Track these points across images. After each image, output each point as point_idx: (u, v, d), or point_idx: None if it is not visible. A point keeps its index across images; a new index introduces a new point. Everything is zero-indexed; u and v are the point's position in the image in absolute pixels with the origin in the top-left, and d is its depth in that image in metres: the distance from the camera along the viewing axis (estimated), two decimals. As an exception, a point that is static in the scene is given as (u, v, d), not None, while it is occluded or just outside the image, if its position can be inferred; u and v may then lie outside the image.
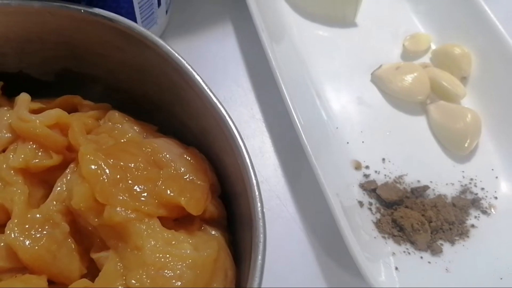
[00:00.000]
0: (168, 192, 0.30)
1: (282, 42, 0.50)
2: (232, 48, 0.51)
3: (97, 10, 0.33)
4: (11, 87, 0.37)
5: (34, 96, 0.36)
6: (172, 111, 0.37)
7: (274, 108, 0.47)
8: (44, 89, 0.40)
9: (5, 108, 0.34)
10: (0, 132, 0.33)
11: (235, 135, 0.29)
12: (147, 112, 0.39)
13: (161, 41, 0.32)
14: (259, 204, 0.27)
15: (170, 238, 0.29)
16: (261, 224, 0.27)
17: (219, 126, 0.31)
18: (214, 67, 0.49)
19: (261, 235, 0.26)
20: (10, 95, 0.37)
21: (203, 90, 0.31)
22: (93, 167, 0.29)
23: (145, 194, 0.30)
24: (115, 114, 0.36)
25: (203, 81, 0.31)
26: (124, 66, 0.37)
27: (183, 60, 0.32)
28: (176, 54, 0.32)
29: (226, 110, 0.30)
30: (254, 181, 0.28)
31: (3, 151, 0.33)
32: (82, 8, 0.33)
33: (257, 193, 0.27)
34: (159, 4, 0.44)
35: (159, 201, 0.30)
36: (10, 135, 0.33)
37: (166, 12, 0.47)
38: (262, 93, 0.49)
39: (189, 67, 0.32)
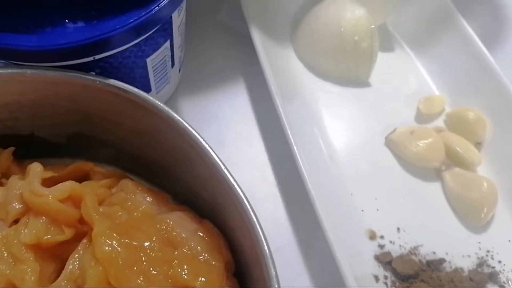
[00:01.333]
0: (183, 275, 0.29)
1: (295, 102, 0.50)
2: (244, 107, 0.50)
3: (111, 81, 0.33)
4: (22, 148, 0.37)
5: (45, 157, 0.36)
6: (186, 181, 0.37)
7: (287, 170, 0.46)
8: (56, 149, 0.39)
9: (17, 177, 0.34)
10: (12, 203, 0.32)
11: (254, 222, 0.29)
12: (159, 175, 0.39)
13: (177, 117, 0.32)
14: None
15: (185, 325, 0.28)
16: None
17: (235, 207, 0.30)
18: (225, 126, 0.49)
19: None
20: (22, 157, 0.37)
21: (221, 171, 0.31)
22: (107, 248, 0.29)
23: (160, 277, 0.29)
24: (128, 184, 0.35)
25: (220, 160, 0.31)
26: (137, 134, 0.37)
27: (199, 137, 0.31)
28: (193, 131, 0.32)
29: (243, 192, 0.30)
30: (274, 272, 0.27)
31: (15, 221, 0.32)
32: (97, 80, 0.33)
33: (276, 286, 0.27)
34: (172, 64, 0.43)
35: (174, 284, 0.29)
36: (22, 206, 0.32)
37: (179, 70, 0.47)
38: (274, 154, 0.48)
39: (206, 145, 0.31)
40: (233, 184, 0.30)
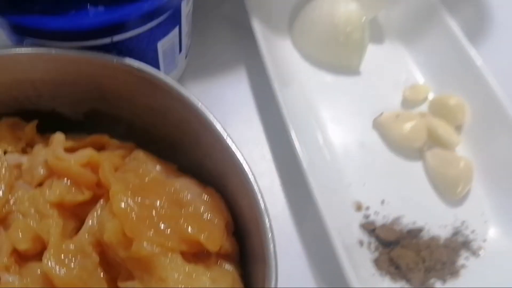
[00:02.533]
0: (189, 229, 0.33)
1: (292, 88, 0.53)
2: (245, 92, 0.54)
3: (128, 61, 0.36)
4: (44, 124, 0.40)
5: (64, 131, 0.39)
6: (192, 153, 0.40)
7: (283, 149, 0.49)
8: (73, 125, 0.43)
9: (41, 145, 0.37)
10: (37, 168, 0.36)
11: (254, 188, 0.32)
12: (167, 150, 0.42)
13: (185, 91, 0.35)
14: (272, 245, 0.30)
15: (190, 272, 0.32)
16: (274, 264, 0.30)
17: (235, 167, 0.34)
18: (227, 109, 0.52)
19: (273, 274, 0.29)
20: (43, 131, 0.40)
21: (224, 141, 0.34)
22: (123, 205, 0.32)
23: (169, 230, 0.32)
24: (140, 154, 0.39)
25: (223, 128, 0.34)
26: (149, 110, 0.40)
27: (205, 109, 0.35)
28: (200, 104, 0.35)
29: (242, 154, 0.34)
30: (268, 224, 0.31)
31: (39, 185, 0.36)
32: (115, 58, 0.36)
33: (269, 235, 0.30)
34: (180, 50, 0.47)
35: (181, 238, 0.32)
36: (45, 171, 0.36)
37: (186, 57, 0.51)
38: (272, 135, 0.52)
39: (210, 115, 0.35)
40: (232, 149, 0.34)
